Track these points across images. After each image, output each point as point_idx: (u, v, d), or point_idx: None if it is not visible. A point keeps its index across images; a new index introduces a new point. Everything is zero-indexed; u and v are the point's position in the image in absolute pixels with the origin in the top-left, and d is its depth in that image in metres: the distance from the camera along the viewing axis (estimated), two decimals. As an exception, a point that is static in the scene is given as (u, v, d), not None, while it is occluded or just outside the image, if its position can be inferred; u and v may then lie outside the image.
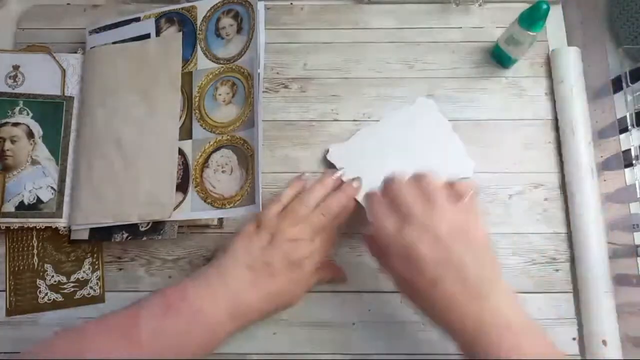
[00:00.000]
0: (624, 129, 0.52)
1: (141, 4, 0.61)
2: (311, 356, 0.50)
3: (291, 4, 0.62)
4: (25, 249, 0.53)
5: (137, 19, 0.56)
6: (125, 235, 0.51)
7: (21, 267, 0.52)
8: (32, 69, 0.54)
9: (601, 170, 0.55)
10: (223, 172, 0.51)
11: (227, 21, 0.55)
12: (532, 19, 0.50)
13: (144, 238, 0.50)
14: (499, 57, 0.59)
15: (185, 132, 0.53)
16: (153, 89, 0.54)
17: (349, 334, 0.51)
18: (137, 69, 0.55)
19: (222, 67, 0.54)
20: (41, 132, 0.53)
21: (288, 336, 0.51)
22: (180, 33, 0.55)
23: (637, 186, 0.50)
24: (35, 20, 0.60)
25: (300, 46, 0.60)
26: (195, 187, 0.51)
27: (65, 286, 0.52)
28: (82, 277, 0.52)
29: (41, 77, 0.54)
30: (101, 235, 0.51)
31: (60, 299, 0.52)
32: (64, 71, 0.54)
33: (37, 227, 0.52)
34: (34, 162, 0.52)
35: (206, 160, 0.51)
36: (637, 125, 0.51)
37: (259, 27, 0.53)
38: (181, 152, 0.52)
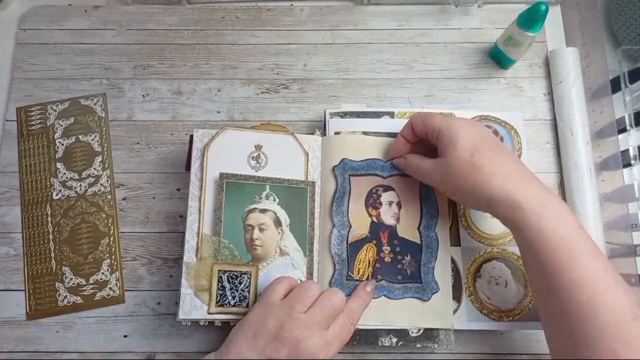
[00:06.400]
0: (622, 129, 0.53)
1: (141, 5, 0.61)
2: None
3: (291, 5, 0.62)
4: (43, 252, 0.53)
5: (391, 115, 0.53)
6: (395, 340, 0.48)
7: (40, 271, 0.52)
8: (274, 150, 0.51)
9: (599, 170, 0.55)
10: (497, 284, 0.49)
11: None
12: (530, 20, 0.51)
13: (417, 345, 0.48)
14: (497, 58, 0.59)
15: (453, 239, 0.51)
16: None
17: None
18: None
19: None
20: (288, 220, 0.49)
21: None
22: None
23: (636, 186, 0.50)
24: (37, 21, 0.61)
25: (300, 47, 0.60)
26: (469, 296, 0.49)
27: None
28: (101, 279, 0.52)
29: (283, 159, 0.51)
30: (366, 338, 0.48)
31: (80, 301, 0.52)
32: (307, 155, 0.51)
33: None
34: (283, 253, 0.49)
35: (477, 269, 0.50)
36: (636, 126, 0.52)
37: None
38: (451, 259, 0.50)
